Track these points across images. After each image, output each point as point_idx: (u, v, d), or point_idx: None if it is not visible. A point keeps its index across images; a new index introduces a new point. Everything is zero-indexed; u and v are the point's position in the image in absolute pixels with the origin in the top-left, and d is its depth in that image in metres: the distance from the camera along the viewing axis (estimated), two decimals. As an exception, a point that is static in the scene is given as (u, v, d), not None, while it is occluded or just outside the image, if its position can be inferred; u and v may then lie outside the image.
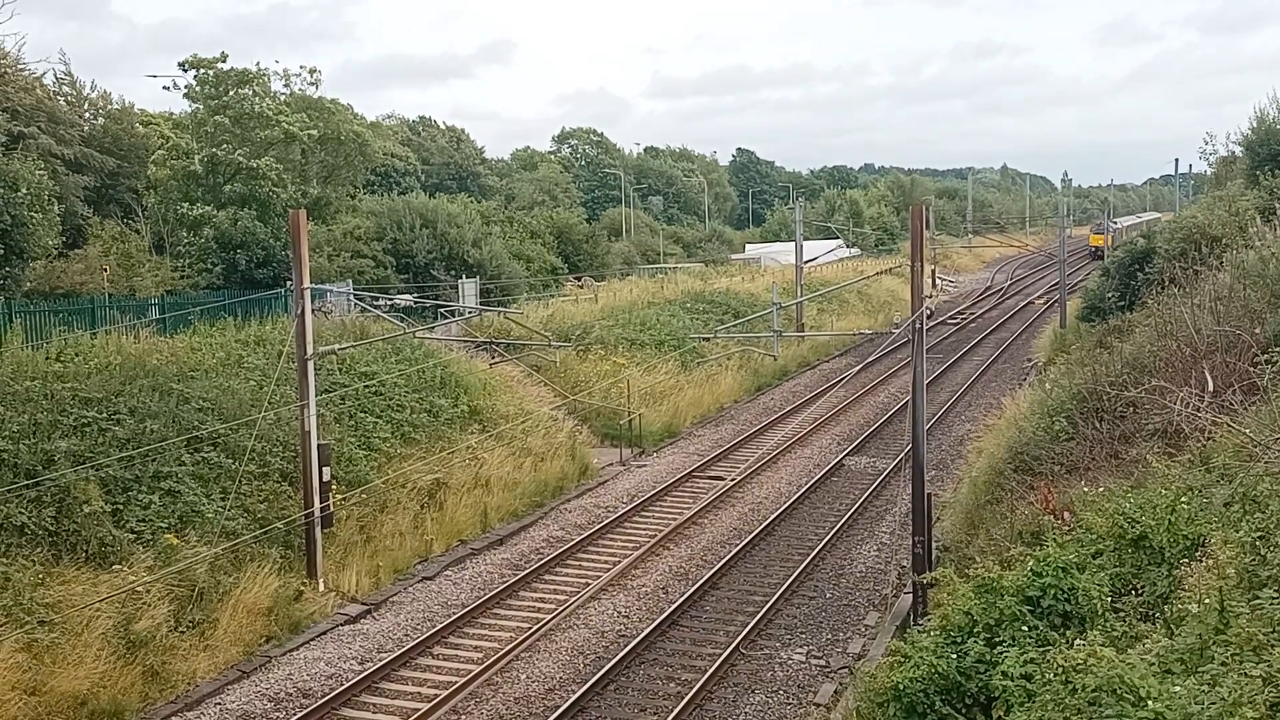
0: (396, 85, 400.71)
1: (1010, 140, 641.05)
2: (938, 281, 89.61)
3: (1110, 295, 40.97)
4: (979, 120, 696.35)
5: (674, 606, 23.38)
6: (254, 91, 51.27)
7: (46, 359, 24.66)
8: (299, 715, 18.67)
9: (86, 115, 49.15)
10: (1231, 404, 17.68)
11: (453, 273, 51.37)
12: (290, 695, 19.82)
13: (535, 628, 22.28)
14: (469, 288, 49.78)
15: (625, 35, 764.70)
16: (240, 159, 47.86)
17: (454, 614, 23.32)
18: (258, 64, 54.08)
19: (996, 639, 12.07)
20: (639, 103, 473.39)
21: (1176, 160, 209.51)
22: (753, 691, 19.99)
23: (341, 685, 19.88)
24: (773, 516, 29.83)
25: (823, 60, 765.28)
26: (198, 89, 51.57)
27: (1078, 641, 10.60)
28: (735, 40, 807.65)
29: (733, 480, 32.93)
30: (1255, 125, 43.32)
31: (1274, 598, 9.39)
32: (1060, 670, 9.73)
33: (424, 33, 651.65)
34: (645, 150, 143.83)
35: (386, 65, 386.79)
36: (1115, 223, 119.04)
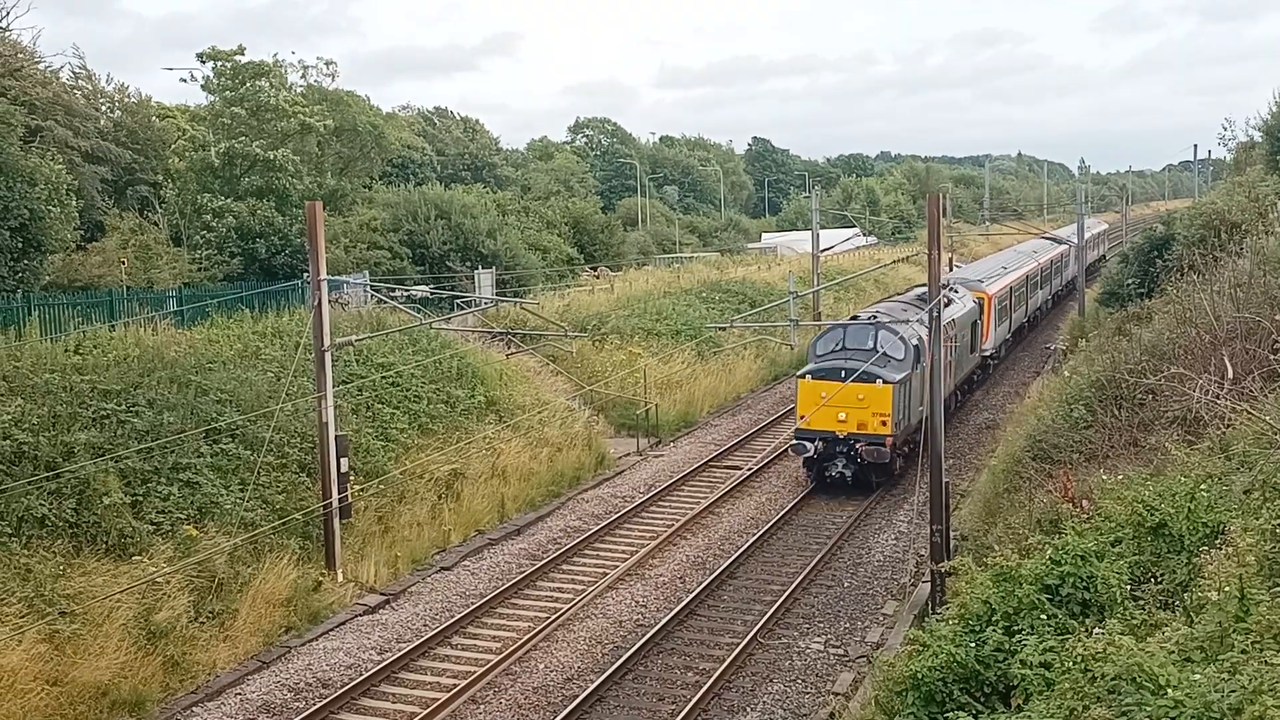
0: (402, 78, 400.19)
1: (1023, 128, 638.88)
2: (955, 269, 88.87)
3: (1129, 282, 40.75)
4: (986, 108, 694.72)
5: (691, 596, 23.40)
6: (270, 84, 51.35)
7: (65, 352, 24.77)
8: (319, 705, 18.75)
9: (103, 108, 49.34)
10: (1251, 391, 17.59)
11: (469, 263, 51.40)
12: (310, 685, 19.91)
13: (553, 617, 22.32)
14: (485, 278, 49.85)
15: (628, 26, 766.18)
16: (257, 151, 47.97)
17: (472, 604, 23.38)
18: (275, 56, 54.22)
19: (1015, 627, 12.04)
20: (646, 93, 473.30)
21: (1195, 146, 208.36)
22: (771, 680, 20.00)
23: (361, 675, 19.96)
24: (790, 505, 29.80)
25: (826, 49, 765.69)
26: (215, 81, 51.69)
27: (1097, 630, 10.57)
28: (737, 30, 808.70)
29: (749, 469, 32.88)
30: (1275, 110, 43.05)
31: (1295, 585, 9.36)
32: (1079, 658, 9.71)
33: (427, 25, 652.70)
34: (661, 139, 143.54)
35: (391, 58, 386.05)
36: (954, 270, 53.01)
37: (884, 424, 30.28)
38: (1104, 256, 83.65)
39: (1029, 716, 9.80)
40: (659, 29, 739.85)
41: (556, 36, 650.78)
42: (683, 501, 30.86)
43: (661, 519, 29.29)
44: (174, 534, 21.22)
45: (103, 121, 48.01)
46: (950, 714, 11.17)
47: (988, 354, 44.14)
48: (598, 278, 60.76)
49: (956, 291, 40.00)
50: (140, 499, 21.46)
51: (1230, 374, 18.67)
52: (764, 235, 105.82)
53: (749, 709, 18.97)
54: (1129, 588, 12.25)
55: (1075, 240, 67.25)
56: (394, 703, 19.24)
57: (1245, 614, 9.34)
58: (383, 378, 30.32)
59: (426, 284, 45.40)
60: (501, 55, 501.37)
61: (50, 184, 32.93)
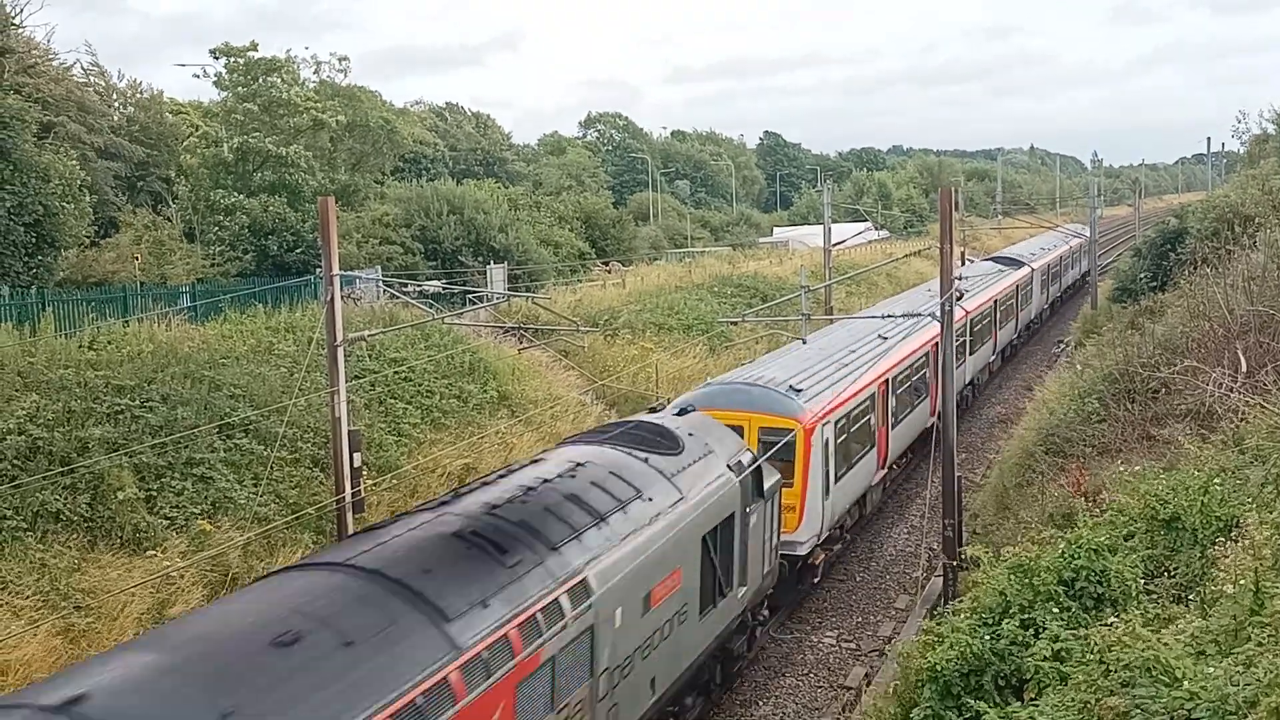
0: (409, 74, 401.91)
1: (1035, 122, 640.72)
2: (967, 263, 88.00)
3: (1142, 276, 40.63)
4: (998, 102, 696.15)
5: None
6: (282, 80, 51.45)
7: (79, 347, 24.86)
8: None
9: (116, 105, 49.53)
10: (1265, 385, 17.54)
11: (480, 258, 51.45)
12: (323, 679, 19.93)
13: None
14: (497, 273, 49.85)
15: (629, 25, 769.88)
16: (270, 147, 48.07)
17: (485, 598, 23.35)
18: (288, 51, 54.29)
19: (1030, 620, 12.03)
20: (653, 90, 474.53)
21: (1209, 139, 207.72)
22: (783, 674, 19.99)
23: (374, 669, 19.97)
24: (802, 500, 29.70)
25: (833, 46, 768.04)
26: (227, 77, 51.81)
27: (1111, 622, 10.56)
28: (742, 27, 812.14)
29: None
30: (1289, 102, 42.79)
31: (1310, 578, 9.33)
32: (1094, 651, 9.70)
33: (432, 22, 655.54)
34: (672, 134, 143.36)
35: (398, 54, 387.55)
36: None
37: None
38: (1087, 274, 63.77)
39: (1044, 709, 9.80)
40: (659, 28, 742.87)
41: (558, 36, 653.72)
42: (695, 496, 30.78)
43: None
44: (188, 528, 21.30)
45: (115, 117, 48.22)
46: (966, 701, 11.18)
47: (805, 553, 21.48)
48: (609, 272, 60.73)
49: (684, 446, 17.12)
50: (154, 494, 21.53)
51: (1244, 367, 18.62)
52: (775, 229, 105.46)
53: (761, 702, 18.97)
54: (1143, 581, 12.24)
55: (1037, 261, 59.02)
56: (407, 696, 19.26)
57: (1260, 607, 9.32)
58: (395, 373, 30.36)
59: (439, 279, 45.46)
60: (508, 51, 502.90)
61: (63, 180, 33.07)
